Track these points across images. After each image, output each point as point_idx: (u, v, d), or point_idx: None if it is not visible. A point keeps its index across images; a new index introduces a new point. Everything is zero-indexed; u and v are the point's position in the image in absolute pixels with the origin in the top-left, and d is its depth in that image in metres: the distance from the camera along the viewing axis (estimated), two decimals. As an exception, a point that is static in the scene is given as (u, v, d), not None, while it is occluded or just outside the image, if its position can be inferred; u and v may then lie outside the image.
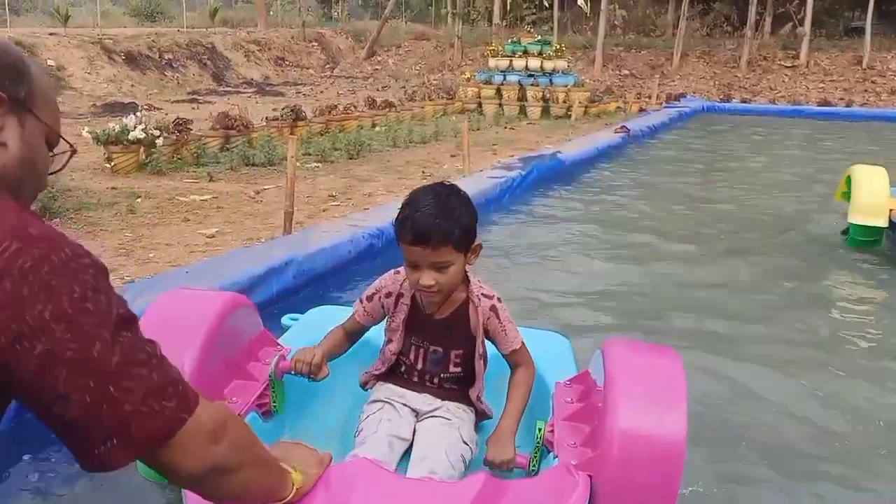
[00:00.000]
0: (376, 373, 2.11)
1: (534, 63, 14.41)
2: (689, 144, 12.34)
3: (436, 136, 10.54)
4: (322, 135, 9.73)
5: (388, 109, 11.77)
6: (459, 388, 2.04)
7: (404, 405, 2.02)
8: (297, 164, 7.97)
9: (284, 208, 4.27)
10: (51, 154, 1.07)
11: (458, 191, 1.87)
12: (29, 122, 1.01)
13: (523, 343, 1.99)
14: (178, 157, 7.57)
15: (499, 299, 1.98)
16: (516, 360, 1.99)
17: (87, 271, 0.87)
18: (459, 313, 1.96)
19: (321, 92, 17.66)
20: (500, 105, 14.14)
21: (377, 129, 10.79)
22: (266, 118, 9.44)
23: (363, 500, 1.41)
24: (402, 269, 1.96)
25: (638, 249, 5.70)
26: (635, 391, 1.70)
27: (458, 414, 2.01)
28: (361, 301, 2.06)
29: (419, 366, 2.03)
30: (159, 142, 7.24)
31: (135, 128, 7.08)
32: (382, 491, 1.47)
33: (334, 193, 6.77)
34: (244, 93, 16.39)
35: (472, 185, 6.35)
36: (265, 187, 6.83)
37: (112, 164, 7.08)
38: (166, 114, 10.24)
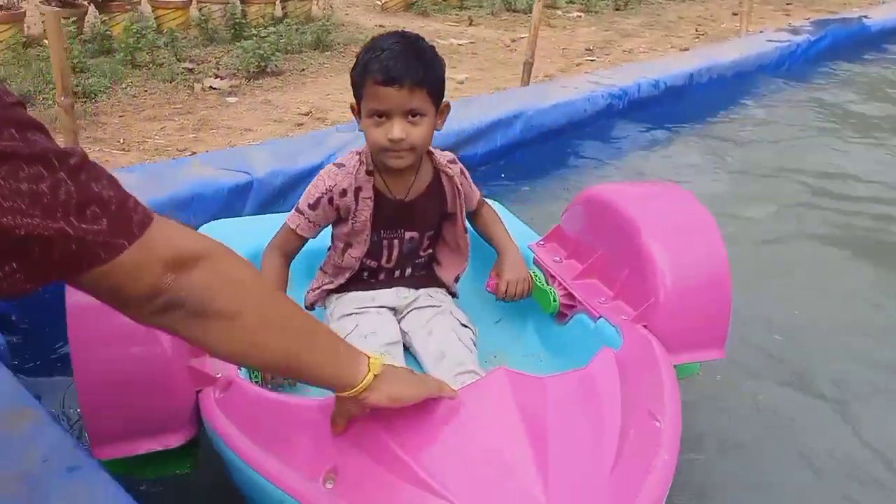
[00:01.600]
0: (329, 287, 1.81)
1: None
2: None
3: (719, -10, 9.42)
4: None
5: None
6: (428, 272, 1.86)
7: (380, 307, 1.79)
8: (559, 12, 7.69)
9: (525, 58, 4.14)
10: None
11: (423, 38, 1.63)
12: None
13: None
14: (444, -2, 7.62)
15: (457, 159, 1.81)
16: (480, 206, 1.88)
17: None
18: (431, 189, 1.74)
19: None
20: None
21: (654, -22, 9.87)
22: (536, -39, 9.05)
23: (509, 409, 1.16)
24: (340, 161, 1.70)
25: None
26: (664, 227, 1.64)
27: (439, 298, 1.84)
28: (301, 212, 1.69)
29: (391, 262, 1.79)
30: (428, -19, 7.32)
31: (406, -35, 7.20)
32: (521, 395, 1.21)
33: (592, 47, 6.43)
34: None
35: (747, 47, 5.62)
36: (521, 36, 6.67)
37: (383, 1, 7.33)
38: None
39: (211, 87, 4.68)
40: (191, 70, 4.95)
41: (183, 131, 3.99)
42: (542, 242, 1.96)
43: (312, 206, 1.67)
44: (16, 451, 1.19)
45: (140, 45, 4.99)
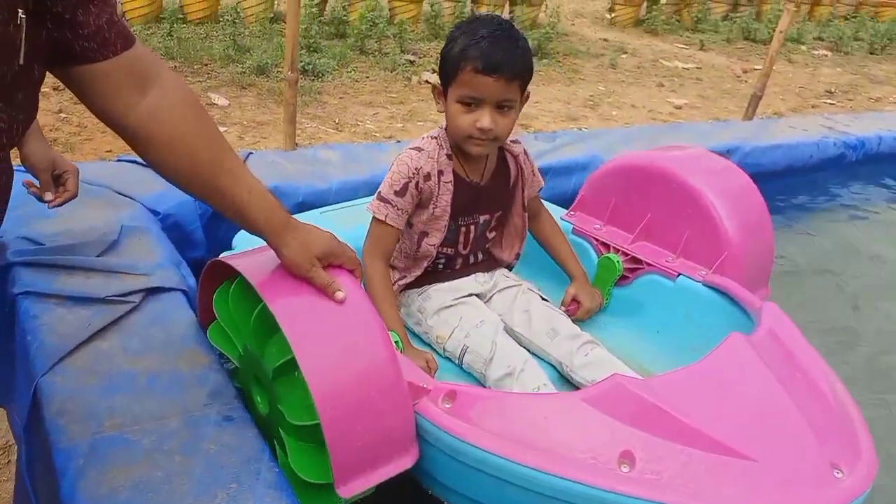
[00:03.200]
0: (404, 281, 1.74)
1: None
2: None
3: None
4: (847, 19, 8.35)
5: (945, 0, 9.47)
6: (491, 255, 1.84)
7: (469, 295, 1.75)
8: (803, 47, 7.09)
9: (755, 90, 3.81)
10: None
11: (516, 27, 1.58)
12: None
13: None
14: (677, 18, 7.31)
15: (519, 140, 1.80)
16: (538, 202, 1.90)
17: None
18: (499, 170, 1.74)
19: (866, -31, 15.02)
20: None
21: (921, 22, 8.82)
22: (785, -9, 8.42)
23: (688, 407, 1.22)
24: (418, 145, 1.65)
25: None
26: (716, 187, 1.77)
27: (513, 277, 1.85)
28: (387, 200, 1.62)
29: (466, 248, 1.76)
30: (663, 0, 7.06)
31: (642, -18, 7.00)
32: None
33: (833, 90, 5.85)
34: (773, -40, 14.86)
35: None
36: (755, 67, 6.22)
37: (612, 15, 7.19)
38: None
39: (427, 80, 4.83)
40: (412, 62, 5.15)
41: (392, 119, 4.14)
42: (571, 213, 2.05)
43: (399, 193, 1.61)
44: (184, 389, 1.26)
45: (371, 34, 5.26)
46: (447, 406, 1.25)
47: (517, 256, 1.86)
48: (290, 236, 1.18)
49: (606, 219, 1.97)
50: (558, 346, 1.67)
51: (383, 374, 1.18)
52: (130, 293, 1.45)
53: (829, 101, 5.59)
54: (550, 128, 4.31)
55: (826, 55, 7.00)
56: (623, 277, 1.89)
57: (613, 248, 1.92)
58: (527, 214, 1.82)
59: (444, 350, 1.70)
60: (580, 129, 4.25)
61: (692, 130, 3.39)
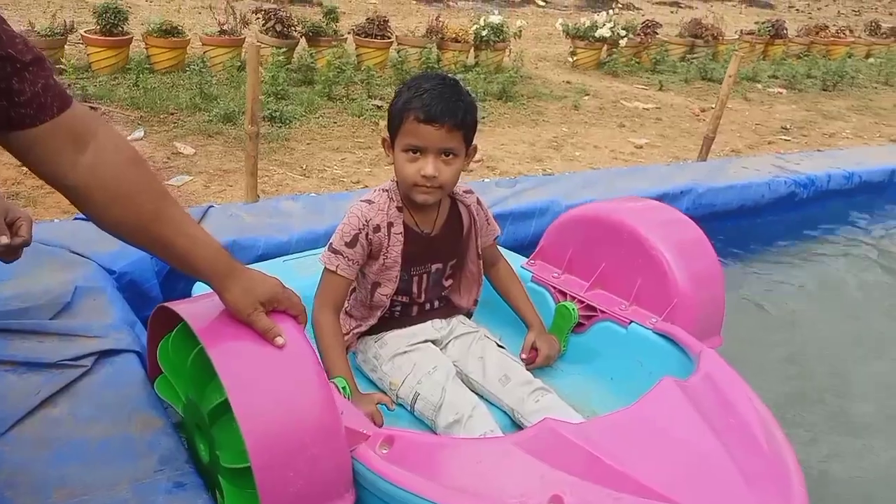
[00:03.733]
0: (359, 330, 1.79)
1: None
2: None
3: (950, 80, 8.54)
4: (800, 58, 8.64)
5: (892, 39, 9.85)
6: (449, 301, 1.88)
7: (425, 342, 1.79)
8: (759, 86, 7.31)
9: (706, 132, 3.93)
10: None
11: (461, 83, 1.67)
12: None
13: None
14: (637, 60, 7.50)
15: (473, 190, 1.86)
16: (495, 250, 1.95)
17: None
18: (451, 220, 1.79)
19: (818, 9, 15.57)
20: None
21: (871, 60, 9.16)
22: (741, 31, 8.71)
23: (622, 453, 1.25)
24: (368, 197, 1.71)
25: None
26: (666, 236, 1.85)
27: (469, 324, 1.90)
28: (338, 251, 1.66)
29: (422, 296, 1.81)
30: (622, 42, 7.26)
31: (603, 25, 7.19)
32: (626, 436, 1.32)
33: (789, 126, 6.03)
34: (731, 1, 15.32)
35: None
36: (712, 106, 6.39)
37: (574, 58, 7.36)
38: (643, 14, 10.17)
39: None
40: (379, 107, 5.22)
41: (360, 164, 4.19)
42: (531, 261, 2.11)
43: (350, 244, 1.66)
44: (135, 455, 1.26)
45: (338, 80, 5.34)
46: (384, 451, 1.28)
47: (475, 302, 1.91)
48: (232, 281, 1.21)
49: (564, 267, 2.05)
50: (510, 393, 1.71)
51: (319, 420, 1.20)
52: (82, 357, 1.45)
53: (784, 137, 5.76)
54: (516, 169, 4.38)
55: (781, 92, 7.23)
56: (579, 325, 1.94)
57: (570, 295, 1.99)
58: (482, 262, 1.87)
59: (398, 397, 1.72)
60: (545, 171, 4.34)
61: (649, 173, 3.48)
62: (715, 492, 1.17)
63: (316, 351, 1.30)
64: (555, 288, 2.01)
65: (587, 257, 1.98)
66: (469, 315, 1.93)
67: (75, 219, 2.11)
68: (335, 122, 4.84)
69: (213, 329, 1.23)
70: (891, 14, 15.13)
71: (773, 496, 1.18)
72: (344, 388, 1.50)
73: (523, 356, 1.86)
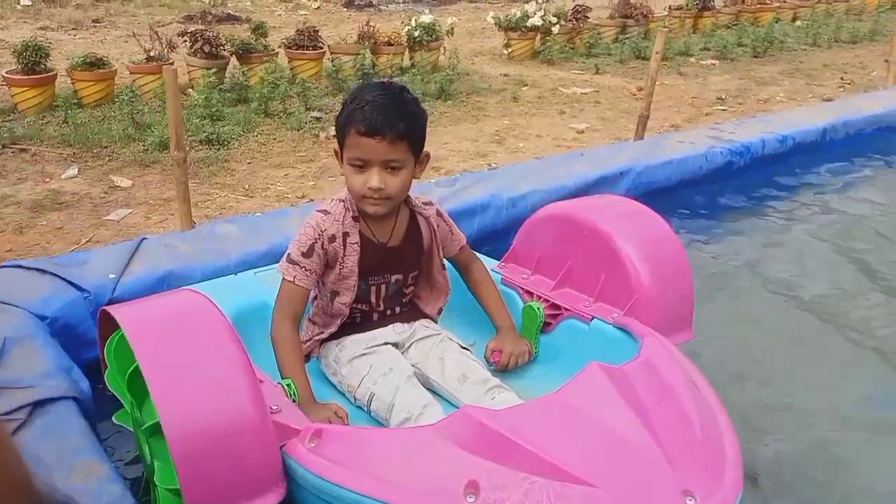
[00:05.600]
0: (321, 336, 1.81)
1: None
2: None
3: (871, 36, 8.80)
4: (729, 28, 8.82)
5: (816, 0, 10.12)
6: (413, 306, 1.90)
7: (385, 343, 1.80)
8: (692, 59, 7.43)
9: (640, 111, 3.97)
10: None
11: (408, 90, 1.68)
12: None
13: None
14: (571, 46, 7.57)
15: (433, 201, 1.87)
16: (466, 256, 1.94)
17: None
18: (410, 232, 1.80)
19: (743, -22, 15.92)
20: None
21: (797, 23, 9.39)
22: (670, 7, 8.85)
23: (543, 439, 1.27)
24: (325, 208, 1.72)
25: None
26: (629, 231, 1.84)
27: (433, 327, 1.89)
28: (295, 262, 1.68)
29: (381, 305, 1.82)
30: (555, 29, 7.31)
31: (534, 14, 7.23)
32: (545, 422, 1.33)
33: (724, 96, 6.15)
34: (657, -21, 15.59)
35: (892, 99, 5.14)
36: (649, 84, 6.50)
37: (509, 50, 7.39)
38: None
39: (334, 135, 4.86)
40: (318, 119, 5.17)
41: (304, 179, 4.14)
42: (503, 264, 2.12)
43: (306, 254, 1.68)
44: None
45: (273, 95, 5.27)
46: (312, 445, 1.30)
47: (440, 311, 1.93)
48: None
49: (534, 268, 2.07)
50: (467, 392, 1.72)
51: (244, 415, 1.23)
52: (15, 409, 1.40)
53: (721, 107, 5.86)
54: (461, 167, 4.38)
55: (714, 64, 7.36)
56: (547, 324, 1.95)
57: (536, 295, 1.99)
58: (446, 272, 1.89)
59: (355, 399, 1.74)
60: (490, 166, 4.34)
61: (586, 157, 3.50)
62: (635, 473, 1.18)
63: (239, 344, 1.31)
64: (523, 289, 2.02)
65: (555, 257, 2.00)
66: (434, 321, 1.94)
67: (1, 266, 2.04)
68: (274, 139, 4.78)
69: (146, 337, 1.26)
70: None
71: (701, 479, 1.19)
72: (289, 384, 1.53)
73: (489, 359, 1.87)
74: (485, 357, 1.88)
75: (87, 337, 1.86)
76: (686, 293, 1.88)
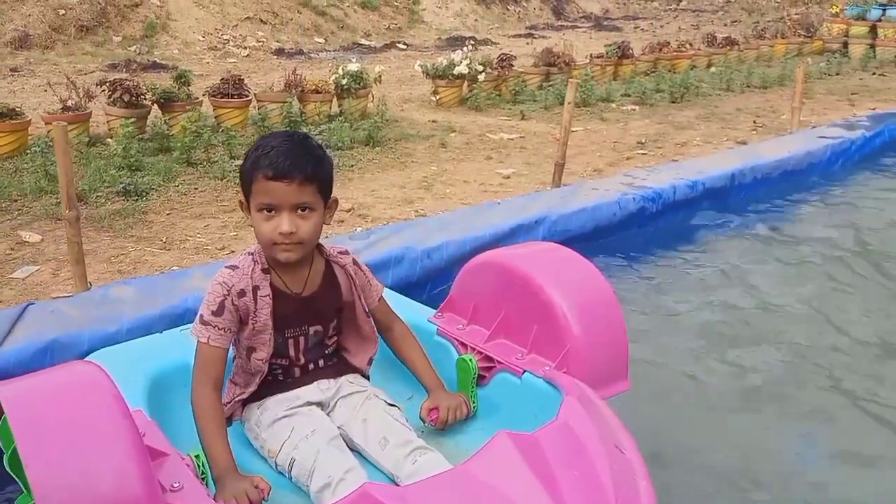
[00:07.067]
0: (242, 397, 1.75)
1: (928, -7, 11.78)
2: None
3: (780, 80, 9.27)
4: (648, 74, 9.17)
5: (728, 48, 10.64)
6: (339, 359, 1.86)
7: (307, 404, 1.75)
8: (613, 105, 7.68)
9: (556, 159, 4.07)
10: None
11: (311, 137, 1.72)
12: None
13: None
14: (497, 93, 7.74)
15: (349, 251, 1.86)
16: (385, 310, 1.90)
17: None
18: (327, 281, 1.77)
19: (661, 27, 16.65)
20: (872, 46, 11.89)
21: (712, 69, 9.85)
22: (591, 55, 9.16)
23: None
24: (233, 263, 1.70)
25: None
26: (560, 280, 1.82)
27: (360, 382, 1.84)
28: (207, 322, 1.64)
29: (302, 359, 1.78)
30: (481, 77, 7.46)
31: (460, 63, 7.37)
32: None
33: (644, 140, 6.36)
34: (581, 27, 16.16)
35: (796, 143, 5.40)
36: (573, 129, 6.65)
37: (437, 97, 7.50)
38: (501, 48, 10.52)
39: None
40: (242, 167, 5.10)
41: (225, 229, 4.06)
42: (439, 314, 2.07)
43: (217, 313, 1.64)
44: None
45: (196, 144, 5.18)
46: None
47: (370, 362, 1.87)
48: None
49: (469, 318, 2.01)
50: (388, 455, 1.66)
51: (131, 499, 1.15)
52: None
53: (641, 151, 6.05)
54: (388, 214, 4.37)
55: (634, 109, 7.63)
56: (482, 377, 1.90)
57: (470, 347, 1.94)
58: (371, 320, 1.84)
59: (276, 465, 1.66)
60: (417, 212, 4.35)
61: (503, 207, 3.54)
62: None
63: (130, 421, 1.23)
64: (458, 340, 1.98)
65: (490, 306, 1.96)
66: (365, 374, 1.88)
67: None
68: (196, 188, 4.68)
69: (27, 418, 1.19)
70: (725, 25, 16.36)
71: None
72: (197, 456, 1.46)
73: (425, 419, 1.82)
74: (420, 418, 1.83)
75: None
76: (619, 343, 1.84)
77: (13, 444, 1.31)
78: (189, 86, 6.04)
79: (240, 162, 5.40)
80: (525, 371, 1.80)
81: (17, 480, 1.34)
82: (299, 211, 1.60)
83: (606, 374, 1.78)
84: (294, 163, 1.57)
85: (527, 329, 1.85)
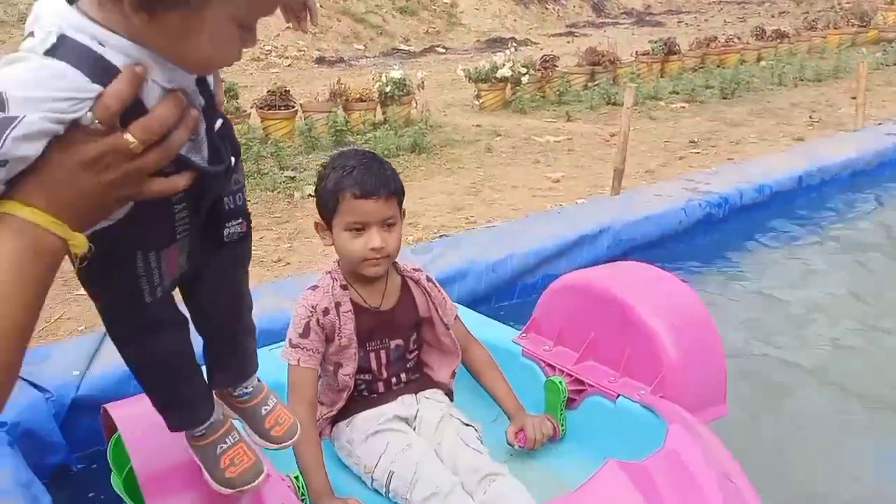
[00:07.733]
0: (330, 414, 1.77)
1: None
2: None
3: (835, 73, 9.00)
4: (696, 70, 8.98)
5: (778, 41, 10.36)
6: (421, 374, 1.87)
7: (396, 418, 1.75)
8: (661, 103, 7.53)
9: (615, 165, 3.96)
10: None
11: (376, 154, 1.77)
12: None
13: None
14: (541, 94, 7.64)
15: (421, 268, 1.87)
16: (461, 331, 1.88)
17: None
18: (404, 296, 1.80)
19: (705, 21, 16.33)
20: (933, 32, 11.48)
21: (762, 63, 9.59)
22: (636, 52, 8.99)
23: None
24: (314, 283, 1.74)
25: None
26: (655, 303, 1.76)
27: (437, 398, 1.83)
28: (296, 345, 1.68)
29: (384, 373, 1.79)
30: (524, 79, 7.38)
31: (503, 65, 7.30)
32: None
33: (696, 139, 6.20)
34: (622, 24, 15.93)
35: (863, 142, 5.19)
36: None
37: (480, 101, 7.44)
38: (541, 48, 10.43)
39: (309, 195, 4.79)
40: (292, 178, 5.12)
41: (279, 241, 4.06)
42: (524, 335, 2.04)
43: (304, 334, 1.68)
44: None
45: (246, 157, 5.21)
46: None
47: (454, 374, 1.86)
48: None
49: (555, 339, 1.97)
50: (465, 482, 1.62)
51: None
52: (-34, 538, 1.28)
53: (693, 150, 5.90)
54: (438, 222, 4.32)
55: (684, 107, 7.46)
56: (571, 400, 1.85)
57: (559, 369, 1.91)
58: (451, 332, 1.82)
59: (373, 481, 1.67)
60: (467, 219, 4.29)
61: (563, 216, 3.46)
62: None
63: None
64: (545, 362, 1.94)
65: (577, 328, 1.92)
66: (448, 390, 1.87)
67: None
68: (249, 201, 4.67)
69: (142, 439, 1.25)
70: (773, 16, 15.97)
71: None
72: (297, 478, 1.50)
73: (513, 443, 1.81)
74: (508, 442, 1.81)
75: (50, 442, 1.74)
76: (717, 365, 1.79)
77: (129, 465, 1.32)
78: (237, 99, 6.09)
79: (290, 173, 5.43)
80: (619, 395, 1.76)
81: (128, 501, 1.36)
82: (386, 226, 1.65)
83: (704, 398, 1.73)
84: (378, 180, 1.62)
85: (618, 352, 1.81)
